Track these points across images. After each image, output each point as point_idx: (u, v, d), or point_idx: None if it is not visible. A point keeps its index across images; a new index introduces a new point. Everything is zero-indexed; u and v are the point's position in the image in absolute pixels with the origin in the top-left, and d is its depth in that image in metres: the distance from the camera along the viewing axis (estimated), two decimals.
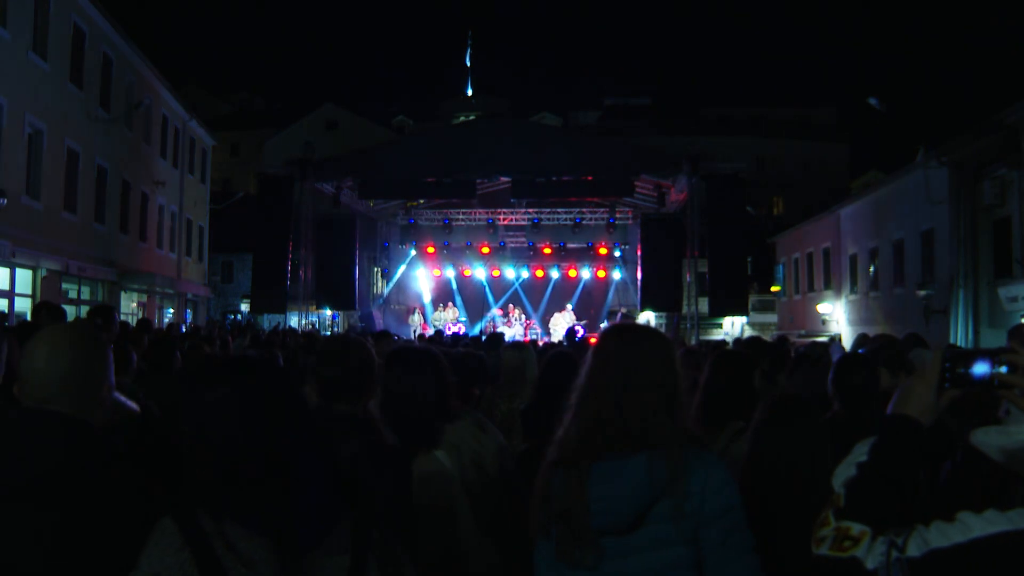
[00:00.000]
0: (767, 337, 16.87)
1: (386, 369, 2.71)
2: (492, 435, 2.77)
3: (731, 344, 9.50)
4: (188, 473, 1.51)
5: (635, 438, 1.90)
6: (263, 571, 1.40)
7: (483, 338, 11.67)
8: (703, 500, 1.86)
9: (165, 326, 20.14)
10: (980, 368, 1.37)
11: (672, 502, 1.86)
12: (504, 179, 20.35)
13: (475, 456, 2.61)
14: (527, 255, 25.48)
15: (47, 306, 6.28)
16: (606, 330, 2.13)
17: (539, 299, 25.59)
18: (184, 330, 15.98)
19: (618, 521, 1.87)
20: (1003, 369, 1.34)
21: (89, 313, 6.80)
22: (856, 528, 1.27)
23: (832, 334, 22.87)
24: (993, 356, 1.37)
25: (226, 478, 1.45)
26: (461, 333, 20.08)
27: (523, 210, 24.37)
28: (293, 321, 19.50)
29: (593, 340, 13.87)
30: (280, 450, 1.48)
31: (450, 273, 25.71)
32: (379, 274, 26.13)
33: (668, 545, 1.87)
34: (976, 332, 15.38)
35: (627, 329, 2.10)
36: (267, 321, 22.28)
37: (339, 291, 20.69)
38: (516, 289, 25.63)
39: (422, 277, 26.08)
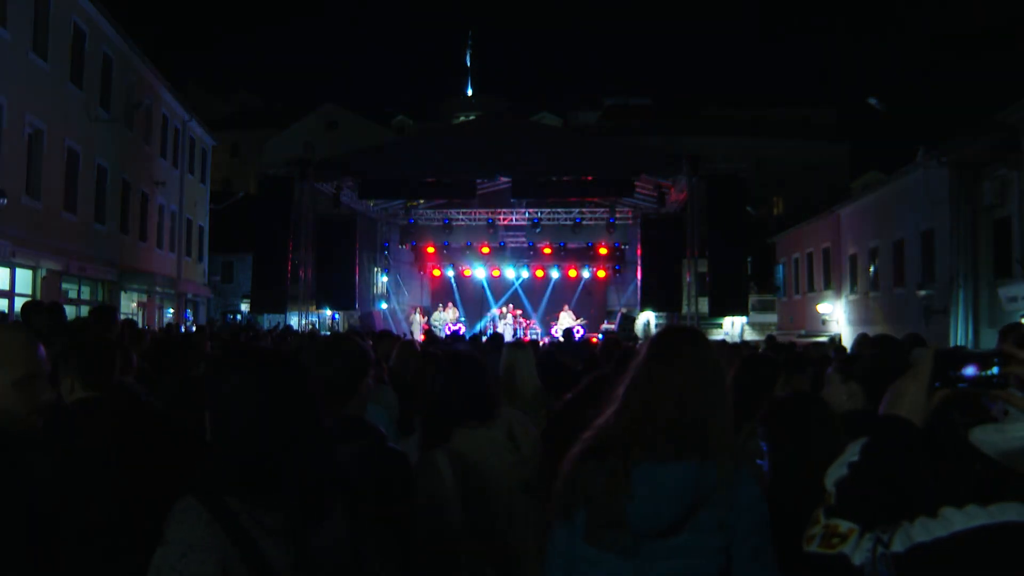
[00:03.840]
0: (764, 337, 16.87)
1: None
2: (522, 447, 2.69)
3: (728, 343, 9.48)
4: (211, 456, 1.71)
5: (685, 439, 1.89)
6: (283, 540, 1.64)
7: (483, 339, 11.66)
8: (739, 514, 1.88)
9: (165, 326, 20.16)
10: (971, 369, 1.38)
11: (712, 512, 1.86)
12: (504, 179, 20.35)
13: (479, 466, 2.59)
14: (527, 255, 25.47)
15: (37, 306, 6.32)
16: (666, 329, 2.12)
17: (539, 299, 25.60)
18: (183, 329, 16.00)
19: (656, 525, 1.87)
20: (994, 371, 1.36)
21: (91, 313, 6.81)
22: (844, 525, 1.30)
23: (832, 334, 22.89)
24: (984, 358, 1.38)
25: (244, 458, 1.66)
26: (460, 333, 20.10)
27: (523, 210, 24.36)
28: (293, 321, 19.51)
29: (594, 340, 13.80)
30: (290, 435, 1.70)
31: (450, 273, 25.73)
32: (379, 274, 26.14)
33: (699, 555, 1.88)
34: (976, 332, 15.38)
35: (687, 331, 2.10)
36: (267, 321, 22.29)
37: (339, 291, 20.70)
38: (516, 289, 25.64)
39: (422, 277, 26.10)
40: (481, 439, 2.64)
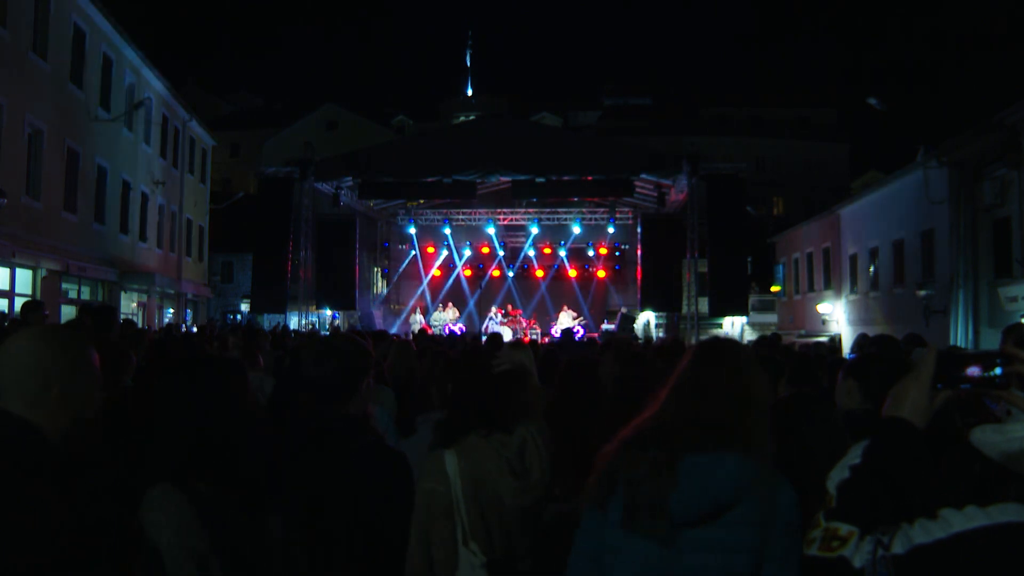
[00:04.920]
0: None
1: None
2: (532, 471, 2.61)
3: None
4: (159, 448, 1.94)
5: (727, 436, 1.96)
6: (241, 521, 1.88)
7: (482, 338, 11.63)
8: (775, 515, 1.90)
9: (164, 326, 20.16)
10: (974, 370, 1.38)
11: (749, 509, 1.90)
12: (504, 179, 20.35)
13: (481, 481, 2.56)
14: (527, 255, 25.49)
15: (36, 305, 6.34)
16: (709, 341, 2.23)
17: (539, 299, 25.59)
18: (184, 330, 16.00)
19: (694, 513, 1.91)
20: (997, 372, 1.35)
21: (86, 312, 6.81)
22: (844, 528, 1.29)
23: (832, 334, 22.88)
24: (985, 359, 1.38)
25: (192, 449, 1.91)
26: (459, 333, 20.06)
27: (523, 210, 24.36)
28: (293, 321, 19.50)
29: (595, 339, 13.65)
30: (228, 429, 1.95)
31: (450, 273, 25.72)
32: (379, 274, 26.13)
33: (732, 551, 1.90)
34: (976, 332, 15.37)
35: (729, 341, 2.22)
36: (267, 321, 22.29)
37: (339, 291, 20.70)
38: (515, 289, 25.63)
39: (422, 277, 26.11)
40: (489, 453, 2.56)
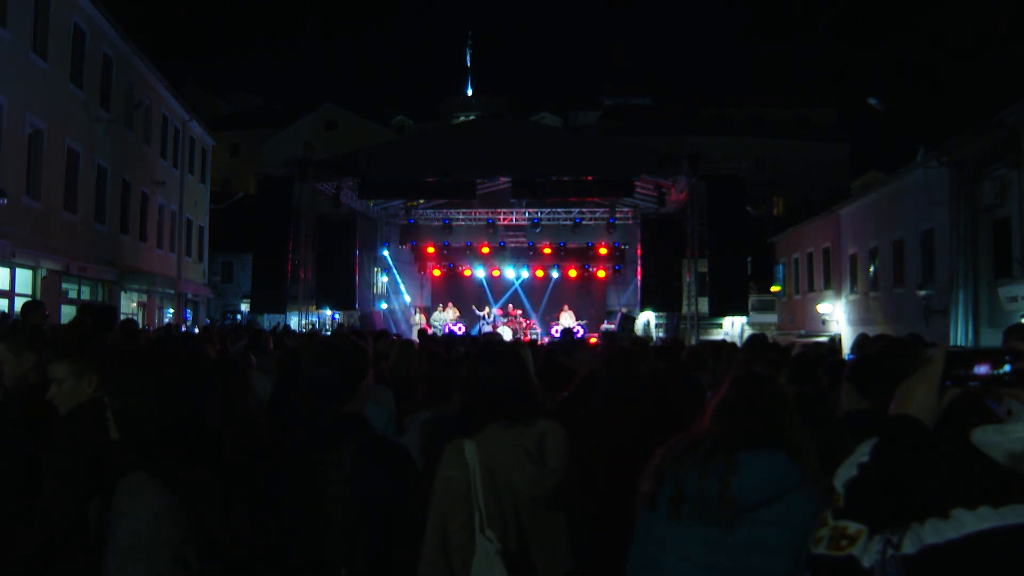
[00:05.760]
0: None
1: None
2: (548, 460, 2.63)
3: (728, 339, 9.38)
4: (147, 438, 2.06)
5: (773, 442, 2.15)
6: (218, 506, 2.02)
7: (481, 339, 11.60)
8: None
9: (164, 326, 20.15)
10: (981, 368, 1.37)
11: (786, 508, 2.01)
12: (504, 179, 20.33)
13: (493, 467, 2.57)
14: (527, 255, 25.46)
15: (36, 305, 6.37)
16: (744, 374, 2.46)
17: (539, 299, 25.57)
18: (184, 330, 15.99)
19: (750, 500, 2.02)
20: (1007, 369, 1.34)
21: (87, 312, 6.83)
22: (853, 527, 1.28)
23: (832, 334, 22.87)
24: (994, 356, 1.37)
25: (167, 438, 2.04)
26: (459, 333, 20.06)
27: (523, 210, 24.34)
28: (293, 321, 19.49)
29: (593, 340, 13.69)
30: (194, 419, 2.13)
31: (450, 273, 25.70)
32: (379, 274, 26.13)
33: (770, 551, 1.98)
34: (976, 332, 15.37)
35: (764, 375, 2.47)
36: (267, 321, 22.27)
37: (339, 291, 20.68)
38: (516, 289, 25.61)
39: (422, 277, 26.07)
40: (507, 442, 2.60)
